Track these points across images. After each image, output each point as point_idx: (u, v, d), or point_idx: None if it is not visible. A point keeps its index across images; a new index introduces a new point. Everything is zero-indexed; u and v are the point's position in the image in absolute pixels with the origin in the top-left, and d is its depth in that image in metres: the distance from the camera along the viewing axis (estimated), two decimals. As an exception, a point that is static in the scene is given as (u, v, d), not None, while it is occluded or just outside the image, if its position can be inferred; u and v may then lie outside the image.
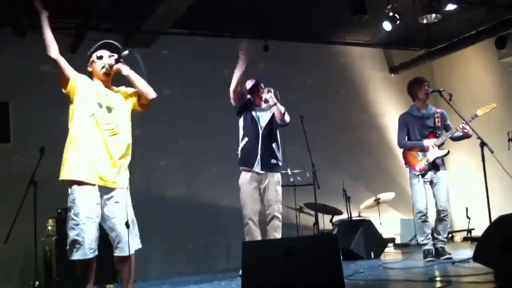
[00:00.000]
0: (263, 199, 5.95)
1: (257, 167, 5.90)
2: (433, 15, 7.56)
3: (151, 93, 4.23)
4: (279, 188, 6.01)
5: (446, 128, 6.33)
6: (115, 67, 4.15)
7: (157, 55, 8.17)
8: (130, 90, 4.28)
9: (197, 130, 8.27)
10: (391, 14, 8.02)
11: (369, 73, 10.25)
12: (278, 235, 5.85)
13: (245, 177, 5.95)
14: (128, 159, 4.15)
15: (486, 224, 4.60)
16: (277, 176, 6.03)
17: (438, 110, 6.41)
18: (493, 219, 4.50)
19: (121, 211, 4.01)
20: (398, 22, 8.09)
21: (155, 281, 6.36)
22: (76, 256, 3.93)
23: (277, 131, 6.16)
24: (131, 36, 7.83)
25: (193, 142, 8.26)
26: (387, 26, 8.24)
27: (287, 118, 6.03)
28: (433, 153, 6.19)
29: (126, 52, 4.17)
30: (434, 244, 6.18)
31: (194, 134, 8.28)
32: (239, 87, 5.94)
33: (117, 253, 4.03)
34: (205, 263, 7.91)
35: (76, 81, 4.06)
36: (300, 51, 9.36)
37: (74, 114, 4.05)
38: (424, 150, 6.22)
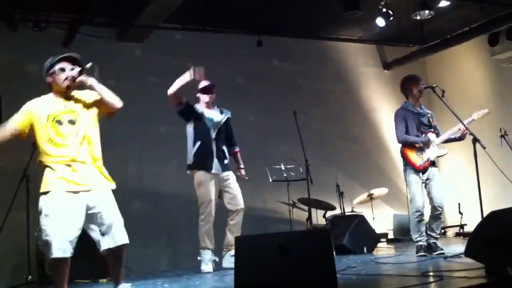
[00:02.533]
0: (224, 196, 6.06)
1: (214, 169, 5.99)
2: (426, 11, 7.58)
3: (117, 103, 4.26)
4: (237, 184, 6.17)
5: (436, 129, 6.36)
6: (79, 79, 4.18)
7: (150, 50, 8.16)
8: (93, 97, 4.28)
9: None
10: (384, 10, 8.04)
11: (363, 69, 10.27)
12: (239, 233, 5.98)
13: (204, 176, 5.97)
14: (99, 162, 4.23)
15: (478, 219, 4.61)
16: (232, 173, 6.18)
17: (429, 111, 6.45)
18: (485, 214, 4.52)
19: (104, 208, 4.09)
20: (391, 18, 8.11)
21: (147, 276, 6.36)
22: (48, 255, 3.95)
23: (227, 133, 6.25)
24: (124, 31, 7.82)
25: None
26: (380, 22, 8.26)
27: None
28: (434, 152, 6.18)
29: (89, 65, 4.19)
30: (427, 240, 6.20)
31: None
32: (177, 98, 5.89)
33: (105, 246, 4.07)
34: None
35: (31, 123, 4.20)
36: (293, 47, 9.37)
37: (37, 141, 4.20)
38: (427, 145, 6.16)
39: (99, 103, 4.26)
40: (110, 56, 7.55)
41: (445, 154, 6.23)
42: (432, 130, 6.28)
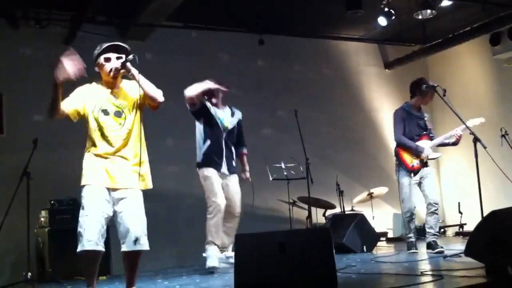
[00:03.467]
0: (226, 197, 5.94)
1: (224, 169, 5.96)
2: (428, 11, 7.59)
3: (158, 97, 4.22)
4: (239, 187, 6.13)
5: (431, 132, 6.45)
6: (122, 71, 4.16)
7: (152, 48, 8.15)
8: (138, 89, 4.20)
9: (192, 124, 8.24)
10: (386, 9, 8.03)
11: (364, 68, 10.27)
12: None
13: (212, 171, 5.91)
14: (138, 160, 4.16)
15: (478, 219, 4.62)
16: (237, 176, 6.15)
17: (426, 114, 6.54)
18: (485, 214, 4.52)
19: (130, 208, 4.08)
20: (393, 17, 8.10)
21: (147, 273, 6.36)
22: (79, 247, 3.99)
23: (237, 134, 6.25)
24: (125, 29, 7.81)
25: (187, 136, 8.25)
26: (382, 21, 8.26)
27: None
28: (428, 155, 6.25)
29: (131, 57, 4.16)
30: (426, 238, 6.24)
31: (189, 128, 8.25)
32: (194, 100, 5.89)
33: (123, 248, 4.08)
34: (199, 256, 7.90)
35: (83, 108, 4.12)
36: (295, 46, 9.36)
37: (87, 124, 4.15)
38: (420, 153, 6.22)
39: (143, 95, 4.20)
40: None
41: (438, 157, 6.30)
42: (427, 133, 6.36)
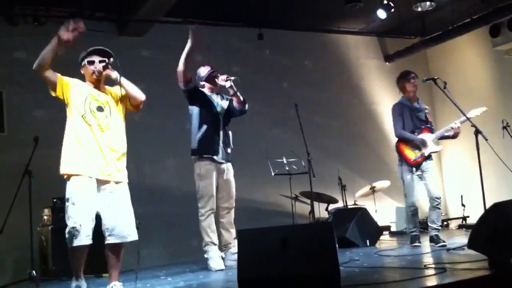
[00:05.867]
0: (220, 190, 5.86)
1: (219, 156, 5.82)
2: (427, 3, 7.59)
3: (140, 96, 4.55)
4: (233, 178, 6.00)
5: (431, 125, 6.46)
6: (104, 73, 4.45)
7: (150, 44, 8.14)
8: (120, 92, 4.52)
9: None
10: (385, 2, 8.02)
11: (364, 61, 10.25)
12: (233, 230, 5.89)
13: (207, 167, 5.77)
14: (120, 154, 4.44)
15: (481, 211, 4.62)
16: (231, 167, 6.01)
17: (426, 107, 6.54)
18: (487, 206, 4.51)
19: (116, 202, 4.32)
20: (392, 10, 8.09)
21: (151, 270, 6.36)
22: (75, 243, 4.17)
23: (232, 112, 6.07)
24: (124, 25, 7.80)
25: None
26: (381, 14, 8.25)
27: (246, 106, 6.02)
28: (429, 148, 6.24)
29: (111, 60, 4.47)
30: (428, 232, 6.24)
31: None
32: (187, 69, 5.65)
33: (110, 240, 4.30)
34: (202, 252, 7.92)
35: (66, 86, 4.35)
36: (294, 40, 9.34)
37: (68, 114, 4.37)
38: (424, 145, 6.23)
39: (125, 97, 4.52)
40: (111, 50, 7.50)
41: (439, 150, 6.29)
42: (429, 126, 6.35)
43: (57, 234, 6.25)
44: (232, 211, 5.95)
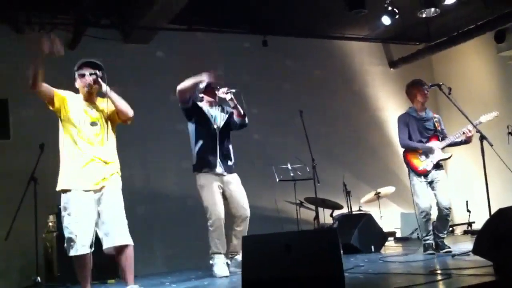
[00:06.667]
0: (229, 200, 5.82)
1: (219, 169, 5.79)
2: (432, 9, 7.58)
3: (128, 112, 4.55)
4: (242, 187, 5.93)
5: (442, 133, 6.34)
6: (94, 86, 4.46)
7: (155, 51, 8.17)
8: (110, 106, 4.53)
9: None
10: (390, 8, 8.02)
11: (368, 67, 10.25)
12: None
13: (207, 176, 5.76)
14: (114, 164, 4.51)
15: (486, 217, 4.60)
16: (237, 176, 5.96)
17: (436, 115, 6.45)
18: (493, 212, 4.50)
19: (110, 207, 4.37)
20: (397, 16, 8.09)
21: (156, 276, 6.37)
22: (72, 252, 4.25)
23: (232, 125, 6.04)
24: (129, 32, 7.83)
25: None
26: (386, 20, 8.25)
27: (247, 119, 5.98)
28: (437, 156, 6.18)
29: (100, 73, 4.44)
30: (434, 239, 6.20)
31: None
32: (188, 94, 5.73)
33: (108, 244, 4.31)
34: (207, 258, 7.92)
35: (64, 101, 4.41)
36: (298, 46, 9.35)
37: (62, 128, 4.43)
38: (431, 152, 6.18)
39: (115, 111, 4.53)
40: (116, 58, 7.55)
41: (448, 158, 6.24)
42: (437, 134, 6.28)
43: (62, 240, 6.24)
44: (246, 222, 5.84)
